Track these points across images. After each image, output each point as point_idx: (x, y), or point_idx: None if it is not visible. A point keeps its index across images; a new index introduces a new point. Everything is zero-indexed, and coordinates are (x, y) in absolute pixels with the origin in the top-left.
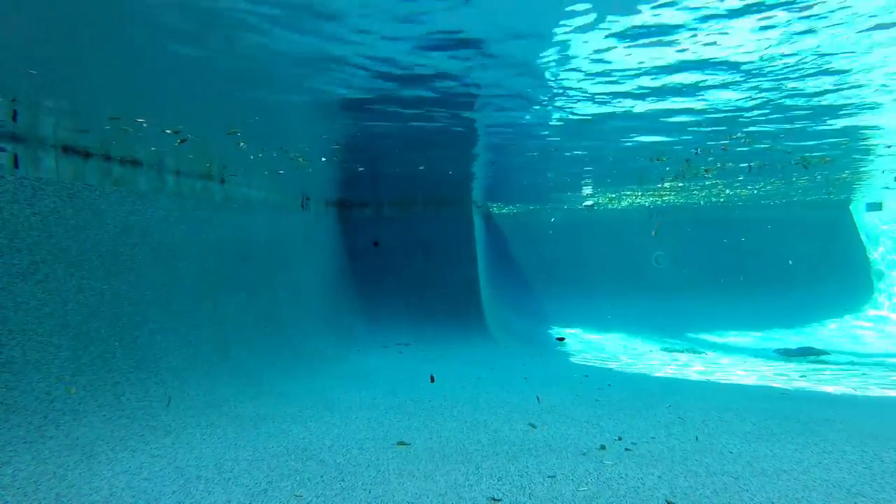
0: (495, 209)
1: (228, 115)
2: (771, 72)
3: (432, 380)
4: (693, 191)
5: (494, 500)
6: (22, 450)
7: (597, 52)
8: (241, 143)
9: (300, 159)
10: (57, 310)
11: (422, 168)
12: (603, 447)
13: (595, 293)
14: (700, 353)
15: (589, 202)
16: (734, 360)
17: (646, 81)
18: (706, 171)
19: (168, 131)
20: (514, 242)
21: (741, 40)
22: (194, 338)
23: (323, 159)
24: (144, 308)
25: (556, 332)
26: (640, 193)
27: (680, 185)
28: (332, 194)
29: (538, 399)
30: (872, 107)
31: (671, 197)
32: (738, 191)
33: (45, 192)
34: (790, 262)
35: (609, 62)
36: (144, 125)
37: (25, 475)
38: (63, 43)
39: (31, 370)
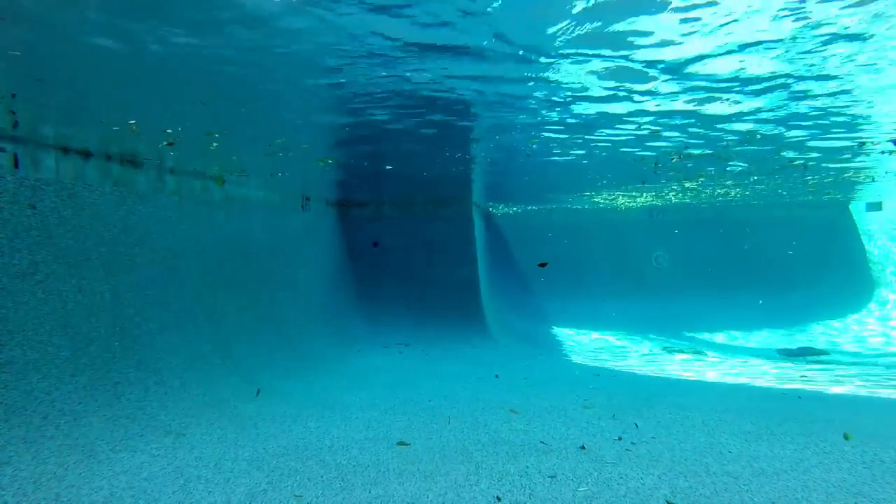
0: (495, 209)
1: (229, 115)
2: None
3: (449, 421)
4: (696, 190)
5: (498, 499)
6: (22, 450)
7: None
8: (214, 144)
9: (321, 162)
10: (57, 310)
11: (425, 174)
12: (583, 447)
13: (595, 293)
14: (700, 352)
15: None
16: (734, 360)
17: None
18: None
19: (168, 131)
20: (514, 242)
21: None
22: (194, 337)
23: (324, 162)
24: (144, 308)
25: (556, 331)
26: (643, 194)
27: (688, 185)
28: (332, 194)
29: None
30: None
31: (674, 195)
32: (741, 191)
33: (45, 193)
34: (791, 252)
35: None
36: (133, 125)
37: (25, 475)
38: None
39: (30, 370)
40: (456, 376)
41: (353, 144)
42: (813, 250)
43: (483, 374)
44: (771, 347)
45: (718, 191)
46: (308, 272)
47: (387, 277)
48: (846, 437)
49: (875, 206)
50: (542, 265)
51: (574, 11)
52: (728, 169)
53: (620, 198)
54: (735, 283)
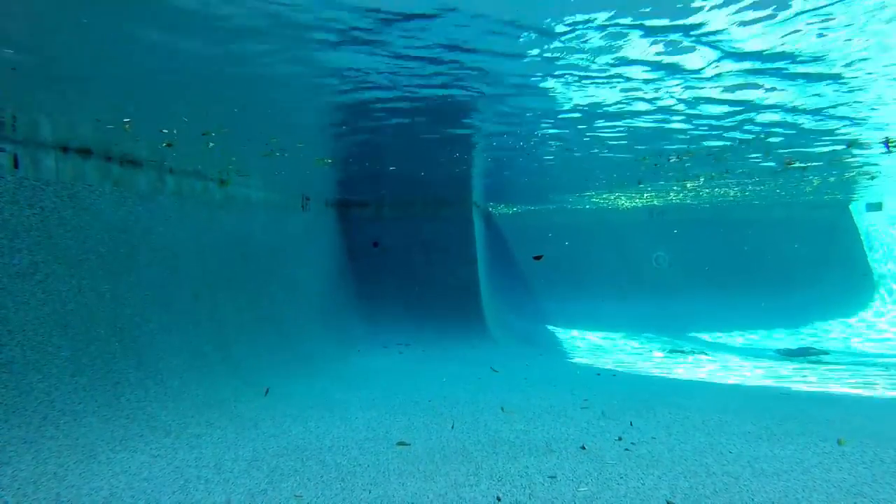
0: (495, 209)
1: (226, 115)
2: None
3: (452, 426)
4: (697, 190)
5: (498, 499)
6: (22, 450)
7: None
8: (211, 144)
9: (322, 161)
10: (57, 310)
11: (423, 174)
12: (583, 447)
13: (595, 293)
14: (700, 352)
15: None
16: (734, 360)
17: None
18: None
19: (165, 130)
20: (514, 243)
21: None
22: (194, 338)
23: (323, 162)
24: (144, 308)
25: (556, 331)
26: (644, 195)
27: (689, 185)
28: (332, 194)
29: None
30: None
31: (674, 195)
32: (741, 191)
33: (45, 193)
34: (796, 245)
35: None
36: (127, 126)
37: (25, 475)
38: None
39: (30, 370)
40: (456, 377)
41: (353, 144)
42: (813, 250)
43: (483, 375)
44: (771, 347)
45: (718, 191)
46: (308, 272)
47: (387, 277)
48: (840, 443)
49: (875, 207)
50: (537, 258)
51: None
52: (752, 162)
53: (621, 198)
54: (735, 283)
